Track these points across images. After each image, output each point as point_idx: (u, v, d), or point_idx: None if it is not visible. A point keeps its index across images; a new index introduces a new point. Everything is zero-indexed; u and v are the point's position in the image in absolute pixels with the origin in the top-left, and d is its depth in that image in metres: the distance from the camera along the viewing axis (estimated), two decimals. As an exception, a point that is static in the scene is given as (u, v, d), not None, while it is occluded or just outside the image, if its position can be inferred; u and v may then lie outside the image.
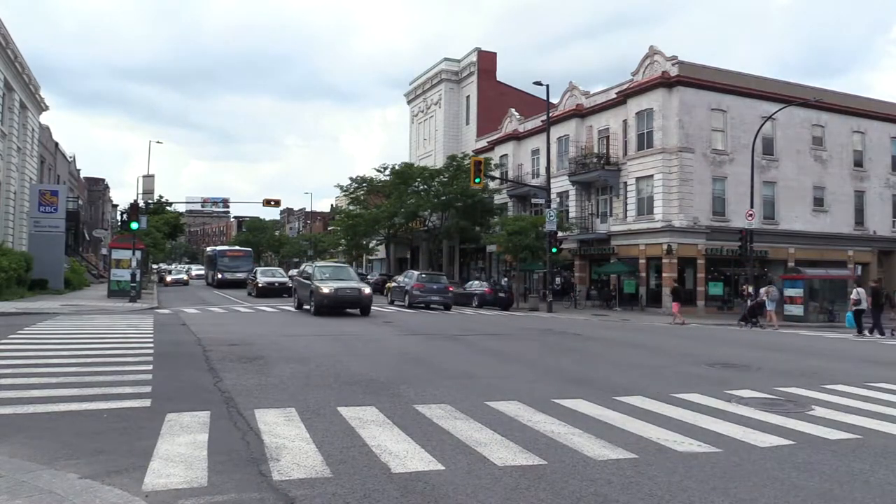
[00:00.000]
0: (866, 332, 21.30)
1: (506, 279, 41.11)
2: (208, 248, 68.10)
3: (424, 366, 10.75)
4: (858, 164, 38.19)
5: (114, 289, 29.12)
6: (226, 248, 59.58)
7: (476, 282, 36.51)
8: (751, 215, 28.99)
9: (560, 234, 33.38)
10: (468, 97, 55.54)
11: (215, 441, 5.71)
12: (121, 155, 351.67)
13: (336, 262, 48.54)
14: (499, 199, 46.17)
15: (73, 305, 23.04)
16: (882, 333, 21.16)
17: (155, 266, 66.70)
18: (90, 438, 5.72)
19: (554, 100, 38.63)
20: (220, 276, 47.19)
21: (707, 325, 25.62)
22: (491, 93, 53.62)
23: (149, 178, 46.11)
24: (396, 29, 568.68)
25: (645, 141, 33.97)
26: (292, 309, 24.69)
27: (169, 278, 55.19)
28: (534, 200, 38.76)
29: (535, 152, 43.22)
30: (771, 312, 24.60)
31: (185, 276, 57.79)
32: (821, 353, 15.20)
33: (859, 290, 22.36)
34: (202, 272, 72.55)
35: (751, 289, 28.36)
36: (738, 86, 33.92)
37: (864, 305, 21.62)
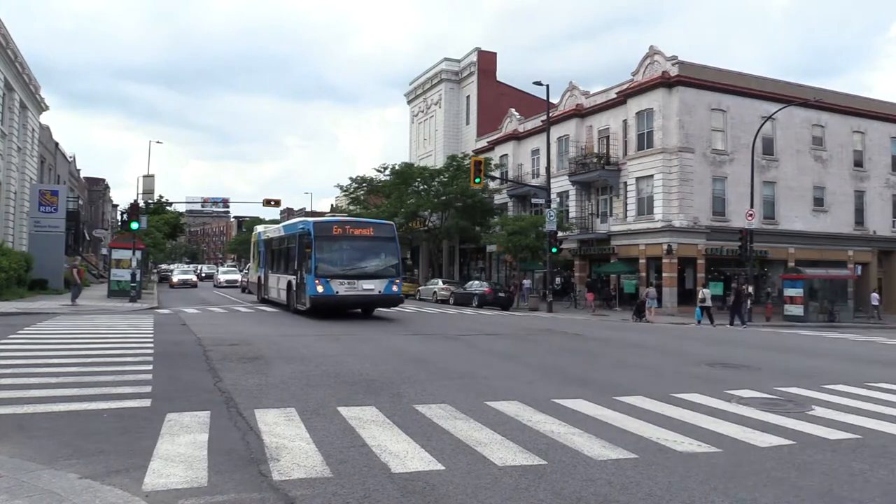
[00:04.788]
0: (728, 324, 25.85)
1: (528, 281, 38.89)
2: (261, 228, 31.60)
3: (424, 366, 10.74)
4: (858, 164, 38.18)
5: (114, 289, 29.13)
6: (332, 219, 23.22)
7: (476, 282, 36.50)
8: (751, 215, 28.99)
9: (560, 233, 33.38)
10: (468, 97, 55.53)
11: (215, 441, 5.71)
12: (120, 155, 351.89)
13: None
14: (499, 199, 46.16)
15: (73, 305, 23.03)
16: (742, 324, 25.60)
17: (155, 267, 66.47)
18: (90, 438, 5.72)
19: (554, 100, 38.64)
20: (318, 288, 19.15)
21: (707, 324, 25.63)
22: (491, 93, 53.62)
23: (149, 178, 46.14)
24: (396, 29, 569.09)
25: (645, 141, 33.96)
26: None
27: (175, 279, 48.73)
28: (534, 200, 38.74)
29: (535, 152, 43.22)
30: (651, 309, 27.25)
31: (193, 277, 50.61)
32: (821, 353, 15.19)
33: (705, 290, 27.34)
34: (233, 275, 50.69)
35: (751, 289, 28.40)
36: (738, 86, 33.91)
37: (708, 303, 26.57)
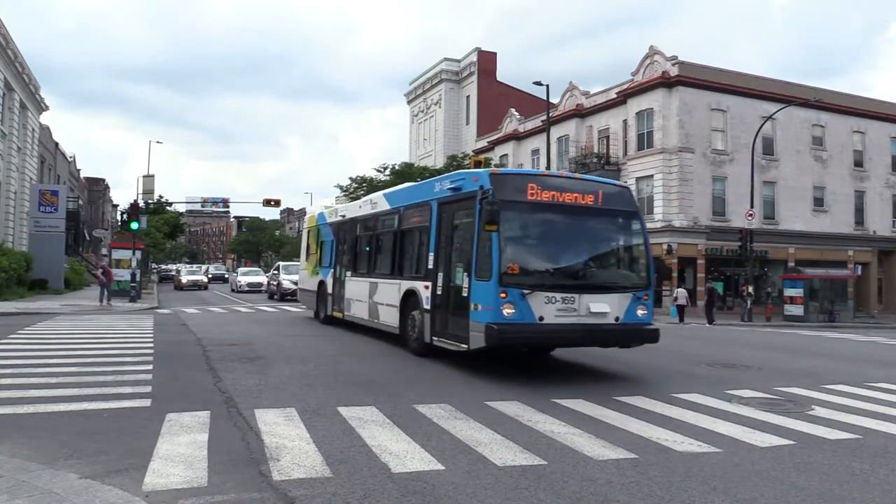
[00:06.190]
0: (693, 322, 26.52)
1: None
2: (323, 208, 21.39)
3: (424, 366, 10.73)
4: (858, 164, 38.20)
5: (114, 289, 29.07)
6: (523, 171, 21.21)
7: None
8: (751, 215, 28.99)
9: (560, 234, 33.30)
10: (468, 97, 55.57)
11: (215, 441, 5.71)
12: (120, 155, 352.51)
13: None
14: (499, 199, 46.10)
15: (73, 305, 23.04)
16: (711, 323, 26.00)
17: (156, 268, 66.36)
18: (90, 438, 5.71)
19: (554, 100, 38.67)
20: (505, 309, 9.05)
21: (706, 324, 25.61)
22: (491, 93, 53.67)
23: (149, 178, 46.06)
24: (396, 29, 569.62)
25: (645, 141, 33.98)
26: (293, 309, 24.70)
27: (184, 279, 45.50)
28: (534, 200, 38.70)
29: (535, 152, 43.24)
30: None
31: (203, 278, 47.21)
32: (821, 353, 15.19)
33: (680, 290, 27.90)
34: (257, 277, 41.36)
35: (751, 289, 28.40)
36: (738, 86, 33.93)
37: (682, 301, 27.15)
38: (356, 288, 15.16)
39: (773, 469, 5.45)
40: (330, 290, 17.04)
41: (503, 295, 9.05)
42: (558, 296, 9.35)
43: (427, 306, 11.08)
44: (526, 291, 9.13)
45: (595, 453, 5.71)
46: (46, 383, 8.18)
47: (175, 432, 5.95)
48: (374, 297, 13.89)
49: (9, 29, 28.49)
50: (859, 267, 36.24)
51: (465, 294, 9.80)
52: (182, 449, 5.43)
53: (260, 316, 21.29)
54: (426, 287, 11.19)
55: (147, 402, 7.25)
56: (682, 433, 6.50)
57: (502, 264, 9.09)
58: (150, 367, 9.70)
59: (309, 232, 20.46)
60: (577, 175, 11.37)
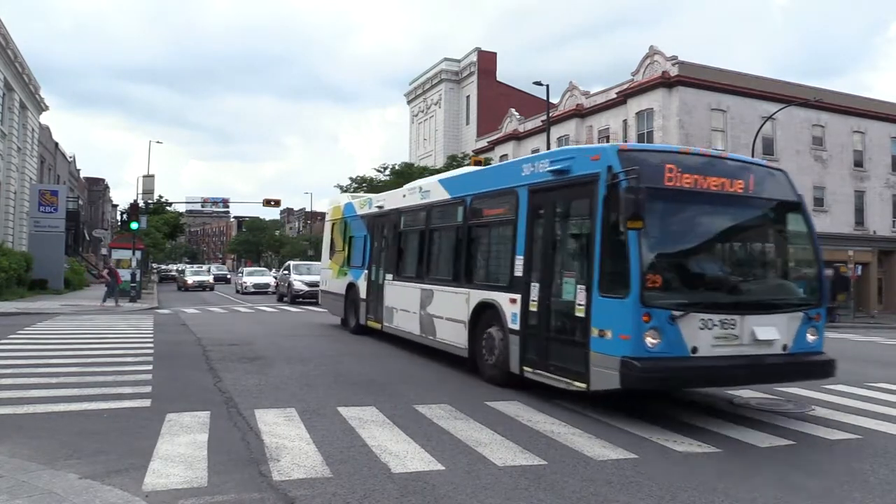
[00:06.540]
0: None
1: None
2: (350, 198, 16.98)
3: (426, 366, 10.73)
4: (858, 164, 38.20)
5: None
6: (652, 147, 9.67)
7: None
8: (751, 215, 29.00)
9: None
10: (468, 97, 55.58)
11: (215, 441, 5.72)
12: (120, 155, 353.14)
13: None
14: (499, 199, 46.08)
15: (73, 305, 23.05)
16: None
17: (156, 268, 66.37)
18: (90, 438, 5.72)
19: (554, 100, 38.65)
20: (648, 338, 6.54)
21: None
22: (491, 93, 53.68)
23: (149, 178, 46.02)
24: (396, 29, 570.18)
25: (645, 141, 33.94)
26: (293, 309, 24.72)
27: (189, 280, 43.54)
28: (534, 200, 38.67)
29: (536, 152, 43.24)
30: None
31: (209, 279, 45.80)
32: (821, 353, 15.17)
33: None
34: (263, 278, 39.23)
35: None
36: (738, 86, 33.93)
37: None
38: (401, 295, 12.51)
39: (772, 469, 5.45)
40: (363, 294, 14.45)
41: (646, 318, 6.59)
42: (716, 318, 6.92)
43: (513, 325, 8.59)
44: (677, 313, 6.70)
45: (595, 453, 5.71)
46: (46, 383, 8.19)
47: (175, 432, 5.95)
48: (429, 307, 11.26)
49: (9, 29, 28.50)
50: (859, 267, 36.23)
51: (579, 314, 7.32)
52: (182, 449, 5.43)
53: (260, 316, 21.30)
54: (512, 300, 8.70)
55: (147, 402, 7.25)
56: (682, 433, 6.50)
57: (643, 274, 6.63)
58: (150, 367, 9.71)
59: (333, 225, 17.47)
60: (722, 153, 8.61)
